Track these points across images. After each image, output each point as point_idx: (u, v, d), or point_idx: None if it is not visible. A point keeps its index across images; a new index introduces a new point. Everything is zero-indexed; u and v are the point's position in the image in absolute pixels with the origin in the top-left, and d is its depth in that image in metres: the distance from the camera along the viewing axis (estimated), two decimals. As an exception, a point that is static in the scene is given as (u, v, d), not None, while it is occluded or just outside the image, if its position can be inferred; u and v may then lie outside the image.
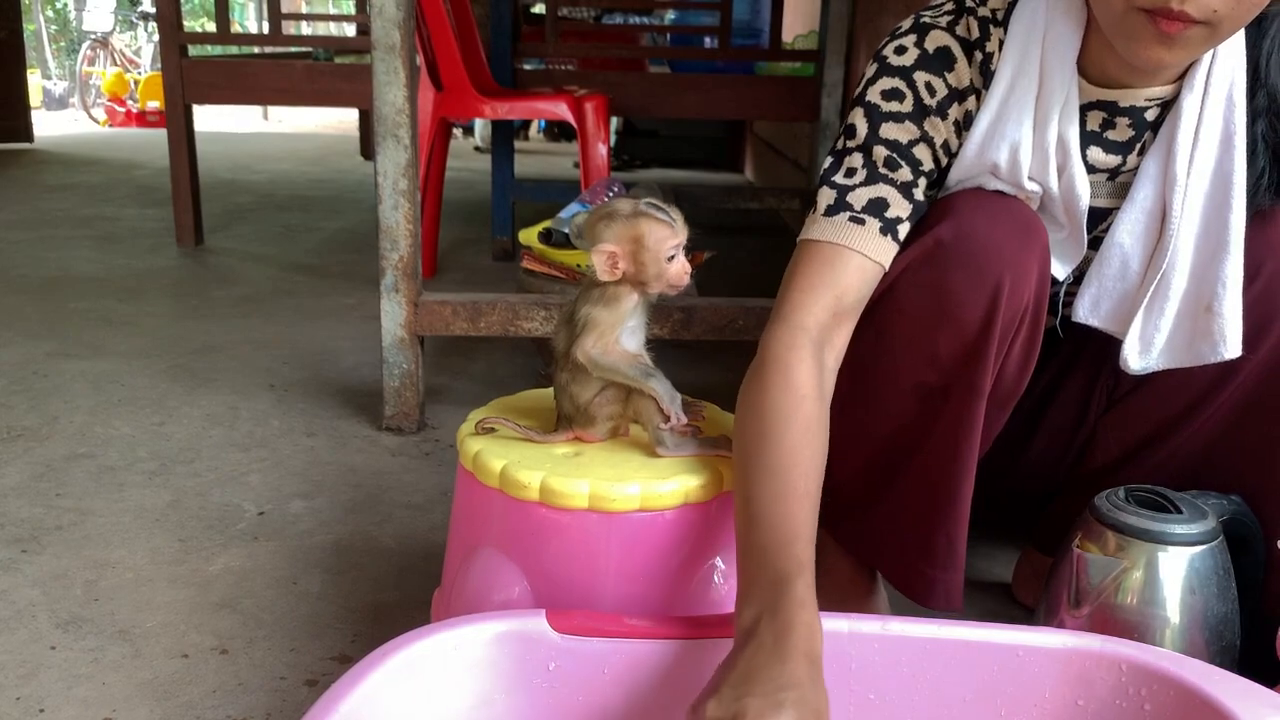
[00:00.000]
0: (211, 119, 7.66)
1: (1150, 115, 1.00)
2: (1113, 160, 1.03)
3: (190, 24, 10.35)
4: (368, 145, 5.35)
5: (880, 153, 0.98)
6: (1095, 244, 1.05)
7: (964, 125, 1.01)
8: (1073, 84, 0.97)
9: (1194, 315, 1.00)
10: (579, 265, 1.84)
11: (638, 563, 0.91)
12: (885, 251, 0.97)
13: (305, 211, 3.90)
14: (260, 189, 4.40)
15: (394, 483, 1.58)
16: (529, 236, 1.95)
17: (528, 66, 3.28)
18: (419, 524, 1.45)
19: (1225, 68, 0.96)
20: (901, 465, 1.05)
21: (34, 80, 7.68)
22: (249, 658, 1.12)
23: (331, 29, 9.88)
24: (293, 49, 3.79)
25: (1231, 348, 0.99)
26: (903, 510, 1.06)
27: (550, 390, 1.02)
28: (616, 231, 0.94)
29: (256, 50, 3.97)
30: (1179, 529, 0.97)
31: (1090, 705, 0.81)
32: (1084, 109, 1.00)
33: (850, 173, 0.99)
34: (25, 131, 5.55)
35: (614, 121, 5.08)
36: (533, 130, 6.72)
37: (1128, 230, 1.01)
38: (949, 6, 1.02)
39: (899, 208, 0.97)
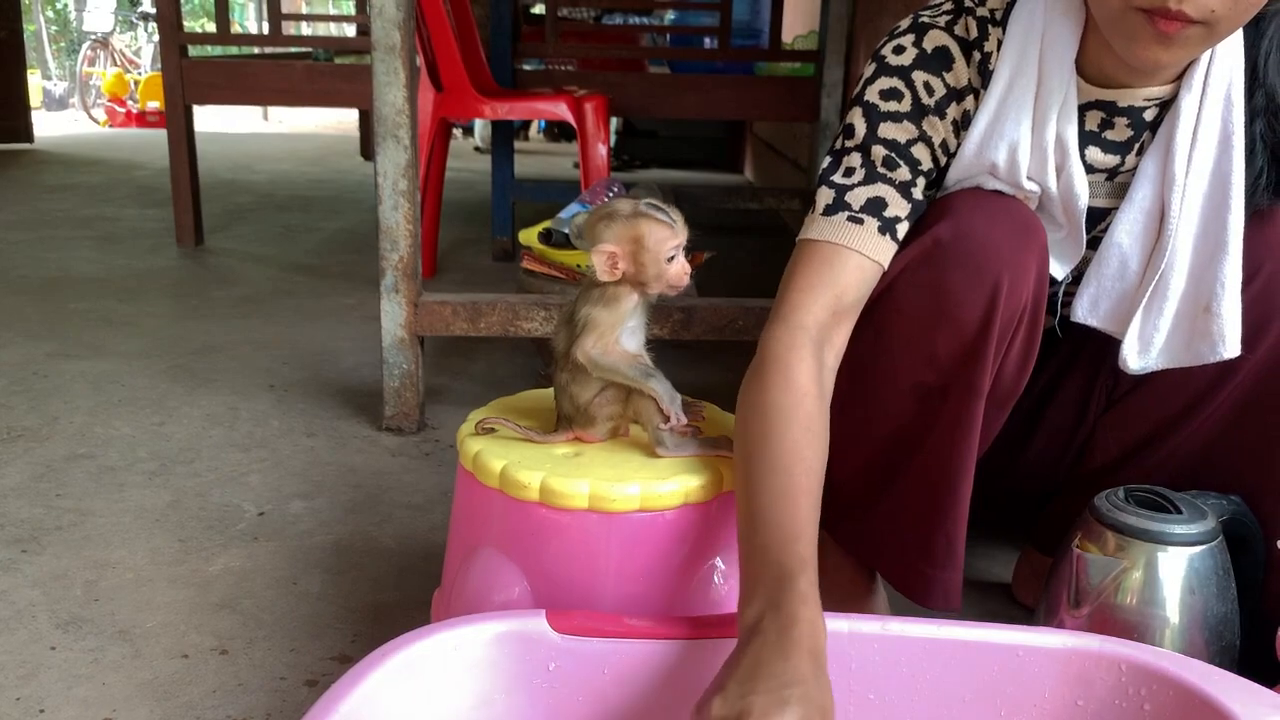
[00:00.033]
0: (211, 119, 7.67)
1: (1149, 115, 1.00)
2: (1111, 160, 1.03)
3: (190, 24, 10.35)
4: (368, 145, 5.35)
5: (879, 152, 0.98)
6: (1094, 244, 1.05)
7: (962, 125, 1.01)
8: (1071, 84, 0.97)
9: (1193, 315, 1.00)
10: (579, 265, 1.84)
11: (638, 563, 0.91)
12: (884, 251, 0.97)
13: (305, 212, 3.90)
14: (260, 189, 4.40)
15: (394, 483, 1.58)
16: (529, 237, 1.95)
17: (528, 67, 3.28)
18: (419, 524, 1.45)
19: (1223, 68, 0.96)
20: (900, 465, 1.05)
21: (34, 81, 7.68)
22: (249, 658, 1.12)
23: (331, 29, 9.88)
24: (293, 49, 3.80)
25: (1230, 347, 0.99)
26: (902, 510, 1.06)
27: (550, 390, 1.02)
28: (616, 232, 0.94)
29: (256, 51, 3.97)
30: (1179, 529, 0.97)
31: (1090, 705, 0.81)
32: (1082, 109, 1.00)
33: (849, 172, 0.99)
34: (25, 132, 5.55)
35: (614, 122, 5.08)
36: (533, 130, 6.72)
37: (1126, 230, 1.01)
38: (947, 6, 1.02)
39: (897, 207, 0.98)
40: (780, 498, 0.82)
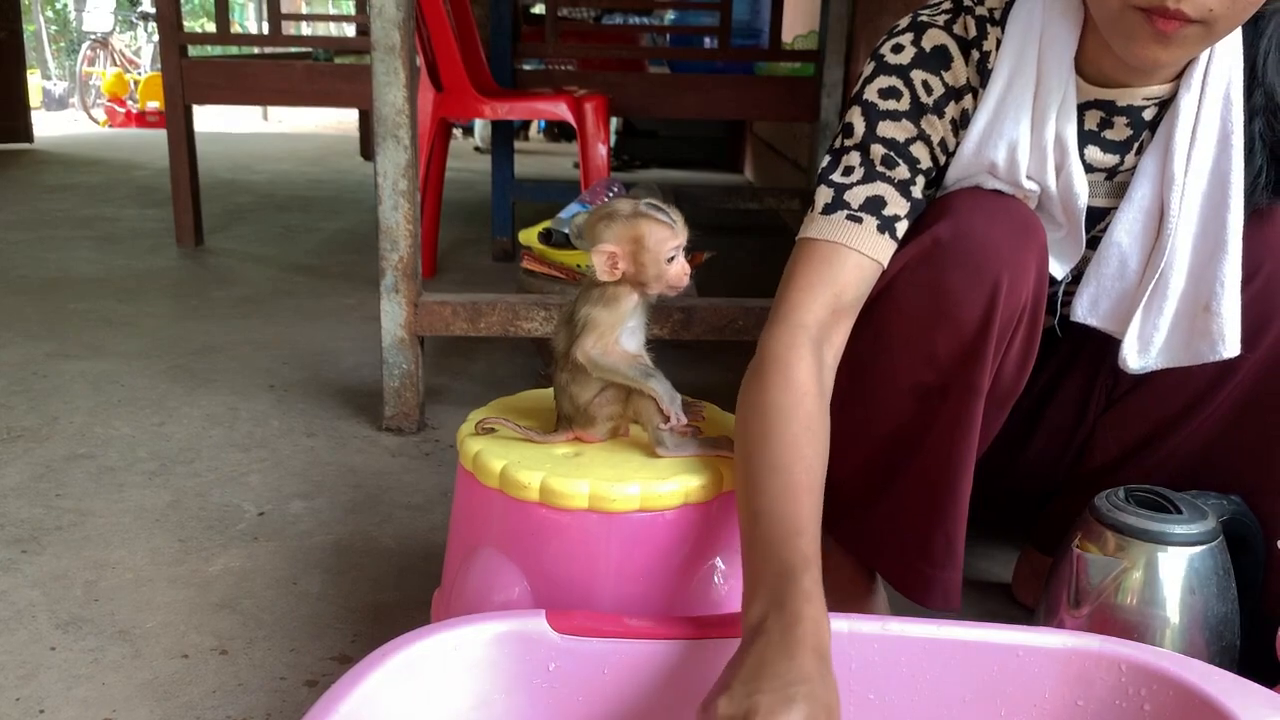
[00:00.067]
0: (211, 119, 7.67)
1: (1148, 115, 1.00)
2: (1111, 160, 1.03)
3: (190, 24, 10.35)
4: (368, 145, 5.35)
5: (878, 151, 0.99)
6: (1094, 244, 1.05)
7: (961, 124, 1.01)
8: (1070, 83, 0.98)
9: (1192, 314, 1.00)
10: (579, 265, 1.84)
11: (638, 563, 0.91)
12: (883, 249, 0.97)
13: (305, 212, 3.90)
14: (260, 189, 4.40)
15: (394, 483, 1.58)
16: (529, 237, 1.95)
17: (527, 67, 3.28)
18: (419, 524, 1.45)
19: (1222, 67, 0.96)
20: (900, 464, 1.05)
21: (34, 81, 7.68)
22: (249, 658, 1.12)
23: (331, 29, 9.88)
24: (292, 49, 3.80)
25: (1230, 347, 0.99)
26: (901, 510, 1.06)
27: (550, 390, 1.02)
28: (616, 232, 0.94)
29: (256, 51, 3.97)
30: (1179, 529, 0.97)
31: (1090, 705, 0.81)
32: (1081, 108, 1.00)
33: (848, 171, 0.99)
34: (25, 132, 5.55)
35: (614, 122, 5.08)
36: (533, 130, 6.72)
37: (1125, 229, 1.01)
38: (946, 5, 1.02)
39: (896, 206, 0.98)
40: (782, 495, 0.82)
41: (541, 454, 0.95)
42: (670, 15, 5.05)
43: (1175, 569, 0.97)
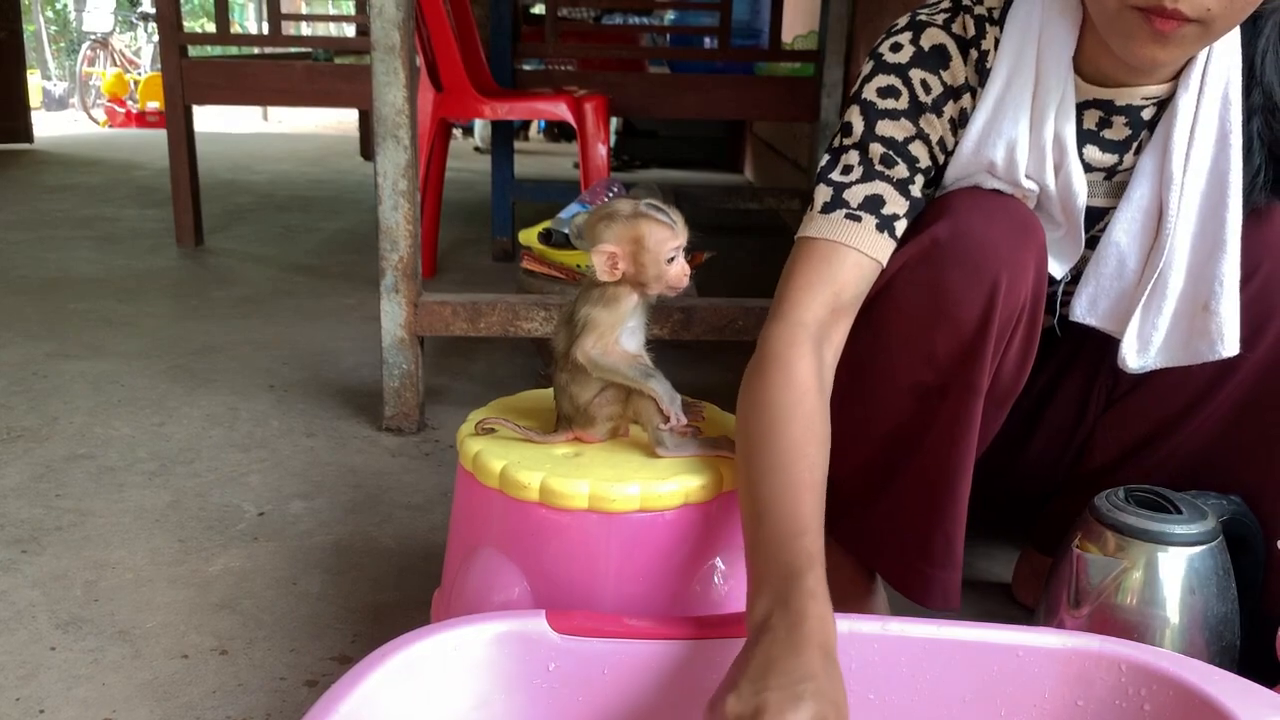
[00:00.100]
0: (211, 119, 7.67)
1: (1147, 114, 1.00)
2: (1109, 159, 1.03)
3: (190, 24, 10.35)
4: (367, 146, 5.35)
5: (876, 150, 0.99)
6: (1093, 243, 1.05)
7: (959, 123, 1.01)
8: (1069, 82, 0.98)
9: (1191, 314, 1.00)
10: (579, 266, 1.84)
11: (638, 563, 0.91)
12: (882, 248, 0.97)
13: (305, 212, 3.90)
14: (260, 189, 4.40)
15: (394, 483, 1.58)
16: (529, 237, 1.95)
17: (527, 67, 3.28)
18: (419, 524, 1.45)
19: (1220, 66, 0.96)
20: (899, 464, 1.05)
21: (34, 81, 7.68)
22: (249, 658, 1.12)
23: (331, 29, 9.88)
24: (292, 49, 3.80)
25: (1229, 346, 0.99)
26: (900, 509, 1.06)
27: (550, 391, 1.02)
28: (617, 232, 0.94)
29: (256, 51, 3.97)
30: (1179, 529, 0.97)
31: (1090, 705, 0.81)
32: (1080, 107, 1.00)
33: (847, 170, 0.99)
34: (25, 132, 5.55)
35: (614, 122, 5.08)
36: (533, 130, 6.72)
37: (1124, 229, 1.02)
38: (945, 4, 1.02)
39: (895, 205, 0.98)
40: (784, 493, 0.82)
41: (541, 454, 0.95)
42: (670, 15, 5.05)
43: (1175, 569, 0.97)
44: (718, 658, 0.79)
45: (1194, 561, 0.97)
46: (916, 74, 0.99)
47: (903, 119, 0.99)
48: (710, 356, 2.11)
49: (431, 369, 2.06)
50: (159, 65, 3.49)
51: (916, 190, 1.00)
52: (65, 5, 10.57)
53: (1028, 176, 1.00)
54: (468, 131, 6.27)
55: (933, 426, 1.02)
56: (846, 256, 0.96)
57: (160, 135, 5.82)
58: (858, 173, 0.98)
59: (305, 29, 8.91)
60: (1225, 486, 1.07)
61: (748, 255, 3.23)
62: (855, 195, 0.97)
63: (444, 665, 0.78)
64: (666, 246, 0.94)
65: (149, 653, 1.12)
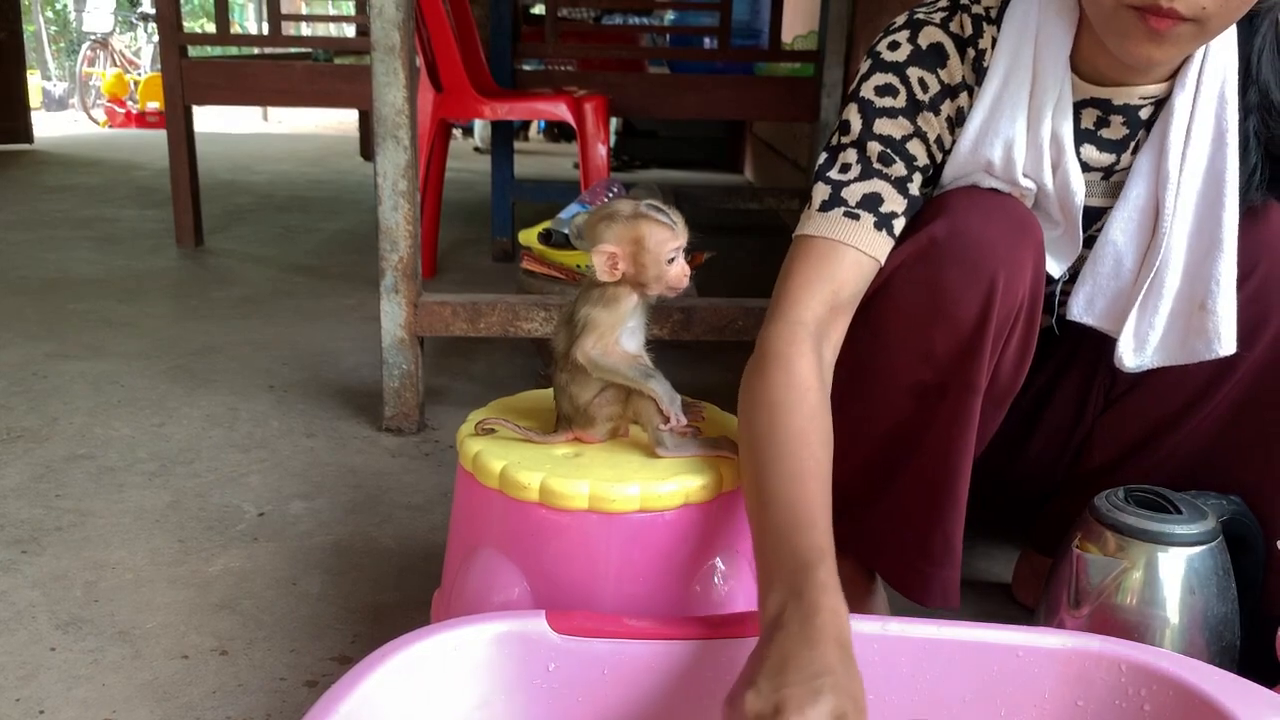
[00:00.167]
0: (211, 119, 7.67)
1: (1144, 114, 1.00)
2: (1107, 159, 1.03)
3: (190, 24, 10.35)
4: (367, 146, 5.35)
5: (874, 148, 0.99)
6: (1090, 243, 1.05)
7: (956, 121, 1.02)
8: (1066, 81, 0.98)
9: (1188, 313, 1.00)
10: (579, 266, 1.84)
11: (638, 564, 0.91)
12: (880, 246, 0.97)
13: (305, 212, 3.90)
14: (260, 190, 4.40)
15: (394, 483, 1.58)
16: (529, 237, 1.95)
17: (527, 67, 3.28)
18: (419, 524, 1.45)
19: (1217, 65, 0.97)
20: (898, 463, 1.05)
21: (34, 81, 7.68)
22: (249, 659, 1.12)
23: (331, 30, 9.87)
24: (292, 50, 3.79)
25: (1226, 345, 0.99)
26: (899, 508, 1.06)
27: (550, 391, 1.02)
28: (617, 232, 0.94)
29: (256, 51, 3.97)
30: (1178, 529, 0.97)
31: (1090, 705, 0.81)
32: (1078, 106, 1.00)
33: (845, 168, 0.99)
34: (25, 132, 5.55)
35: (613, 122, 5.09)
36: (533, 131, 6.72)
37: (1121, 228, 1.02)
38: (943, 3, 1.02)
39: (893, 203, 0.98)
40: (790, 482, 0.81)
41: (541, 454, 0.95)
42: (670, 15, 5.05)
43: (1175, 569, 0.97)
44: (718, 658, 0.79)
45: (1194, 561, 0.97)
46: (914, 72, 1.00)
47: (900, 117, 0.99)
48: (710, 356, 2.11)
49: (431, 369, 2.06)
50: (159, 65, 3.49)
51: (914, 189, 1.00)
52: (65, 5, 10.57)
53: (1025, 175, 1.00)
54: (468, 132, 6.27)
55: (931, 425, 1.02)
56: (845, 255, 0.96)
57: (160, 135, 5.82)
58: (856, 171, 0.98)
59: (305, 29, 8.90)
60: (1224, 486, 1.07)
61: (748, 255, 3.23)
62: (853, 193, 0.97)
63: (444, 666, 0.78)
64: (667, 247, 0.94)
65: (149, 653, 1.12)
